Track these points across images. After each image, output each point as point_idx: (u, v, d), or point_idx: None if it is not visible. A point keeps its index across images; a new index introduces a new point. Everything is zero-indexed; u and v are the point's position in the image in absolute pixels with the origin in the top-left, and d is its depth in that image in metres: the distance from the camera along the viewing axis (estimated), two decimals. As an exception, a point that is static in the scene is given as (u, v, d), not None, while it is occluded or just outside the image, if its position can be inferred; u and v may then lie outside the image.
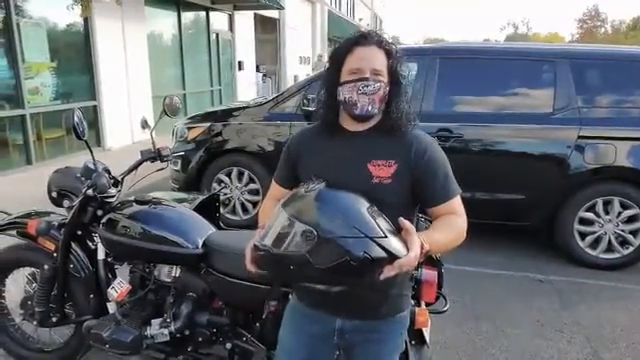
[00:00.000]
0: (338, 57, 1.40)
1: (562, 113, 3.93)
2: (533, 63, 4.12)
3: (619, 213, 3.85)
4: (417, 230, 1.79)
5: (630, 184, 3.83)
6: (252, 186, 4.66)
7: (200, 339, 2.10)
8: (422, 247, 1.20)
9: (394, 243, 1.17)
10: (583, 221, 3.93)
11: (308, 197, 1.22)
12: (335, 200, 1.21)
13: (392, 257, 1.15)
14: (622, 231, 3.87)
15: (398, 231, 1.22)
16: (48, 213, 2.44)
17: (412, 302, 1.75)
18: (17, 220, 2.41)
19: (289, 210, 1.21)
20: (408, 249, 1.18)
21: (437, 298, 1.90)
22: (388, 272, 1.16)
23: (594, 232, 3.92)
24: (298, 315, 1.53)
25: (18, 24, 6.60)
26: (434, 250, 1.28)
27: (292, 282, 1.38)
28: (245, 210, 4.73)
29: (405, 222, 1.21)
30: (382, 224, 1.18)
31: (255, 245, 1.28)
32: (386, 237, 1.16)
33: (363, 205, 1.21)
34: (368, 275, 1.17)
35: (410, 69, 1.37)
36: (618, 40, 45.12)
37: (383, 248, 1.14)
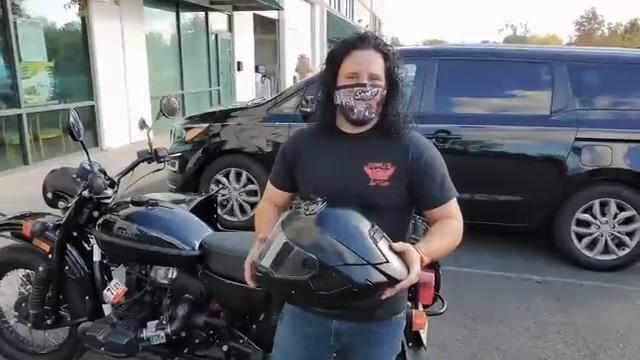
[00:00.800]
0: (335, 59, 1.39)
1: (560, 115, 3.93)
2: (531, 65, 4.12)
3: (615, 215, 3.86)
4: (415, 232, 1.80)
5: (626, 186, 3.83)
6: (250, 187, 4.65)
7: (196, 341, 2.10)
8: (421, 259, 1.21)
9: (395, 267, 1.17)
10: (580, 222, 3.94)
11: (309, 220, 1.18)
12: (336, 224, 1.18)
13: (393, 281, 1.16)
14: (618, 232, 3.88)
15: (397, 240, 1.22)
16: (43, 214, 2.42)
17: (409, 304, 1.75)
18: (12, 221, 2.39)
19: (289, 233, 1.19)
20: (408, 269, 1.18)
21: (434, 300, 1.90)
22: (389, 293, 1.18)
23: (591, 233, 3.93)
24: (294, 317, 1.52)
25: (15, 23, 6.58)
26: (433, 258, 1.29)
27: (292, 304, 1.38)
28: (243, 211, 4.71)
29: (401, 246, 1.21)
30: (383, 248, 1.17)
31: (255, 263, 1.27)
32: (388, 262, 1.16)
33: (365, 227, 1.19)
34: (369, 299, 1.18)
35: (408, 71, 1.36)
36: (615, 42, 45.24)
37: (384, 274, 1.14)
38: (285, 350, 1.53)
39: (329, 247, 1.14)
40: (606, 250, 3.93)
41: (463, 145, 4.05)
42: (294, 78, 15.70)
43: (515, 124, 4.02)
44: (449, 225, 1.37)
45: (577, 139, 3.83)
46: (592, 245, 3.95)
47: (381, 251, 1.16)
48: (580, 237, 3.96)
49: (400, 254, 1.20)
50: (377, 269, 1.14)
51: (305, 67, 14.24)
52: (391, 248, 1.19)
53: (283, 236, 1.19)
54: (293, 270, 1.15)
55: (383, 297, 1.18)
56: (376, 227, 1.21)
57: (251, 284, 1.34)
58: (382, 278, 1.14)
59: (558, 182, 3.90)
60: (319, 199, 1.22)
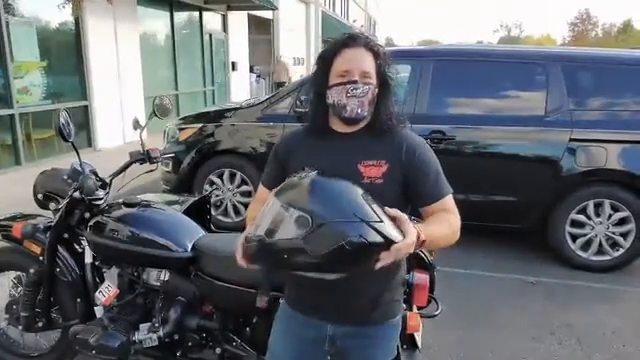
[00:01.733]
0: (326, 59, 1.39)
1: (554, 115, 3.94)
2: (526, 66, 4.13)
3: (610, 215, 3.87)
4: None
5: (621, 186, 3.84)
6: (244, 188, 4.63)
7: (189, 344, 2.08)
8: (419, 236, 1.18)
9: (390, 228, 1.14)
10: (574, 223, 3.94)
11: (302, 184, 1.18)
12: (329, 186, 1.19)
13: (388, 242, 1.12)
14: (612, 233, 3.88)
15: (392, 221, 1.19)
16: (34, 216, 2.40)
17: (404, 306, 1.74)
18: (2, 223, 2.37)
19: (282, 198, 1.17)
20: (404, 235, 1.15)
21: (429, 302, 1.89)
22: (385, 259, 1.13)
23: (585, 234, 3.93)
24: (289, 320, 1.51)
25: (7, 22, 6.53)
26: (430, 242, 1.25)
27: (286, 271, 1.34)
28: (237, 212, 4.69)
29: (395, 211, 1.18)
30: (377, 209, 1.16)
31: (247, 237, 1.25)
32: (382, 222, 1.13)
33: (357, 191, 1.18)
34: (364, 261, 1.14)
35: (399, 70, 1.36)
36: (609, 43, 45.59)
37: (379, 232, 1.11)
38: (279, 353, 1.52)
39: (322, 205, 1.12)
40: (600, 251, 3.94)
41: (458, 146, 4.05)
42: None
43: (510, 125, 4.02)
44: (446, 217, 1.36)
45: (571, 140, 3.84)
46: (586, 246, 3.95)
47: (375, 211, 1.14)
48: (574, 238, 3.96)
49: (394, 220, 1.17)
50: (371, 227, 1.11)
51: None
52: (385, 212, 1.17)
53: (277, 202, 1.17)
54: (286, 232, 1.13)
55: (378, 265, 1.14)
56: (369, 195, 1.19)
57: (242, 264, 1.28)
58: (377, 237, 1.11)
59: (552, 183, 3.90)
60: (312, 169, 1.22)
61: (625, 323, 3.18)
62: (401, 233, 1.15)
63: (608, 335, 3.02)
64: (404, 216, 1.18)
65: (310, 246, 1.11)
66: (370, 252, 1.12)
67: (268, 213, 1.19)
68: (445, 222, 1.34)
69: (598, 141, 3.82)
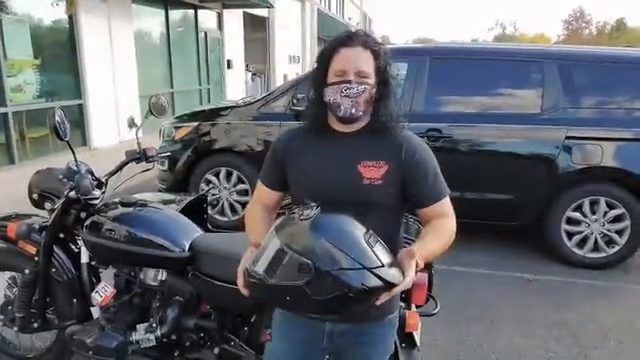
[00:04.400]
0: (325, 58, 1.38)
1: (550, 113, 3.95)
2: (521, 64, 4.13)
3: (605, 213, 3.88)
4: (407, 232, 1.79)
5: (616, 184, 3.86)
6: (241, 186, 4.62)
7: (187, 344, 2.06)
8: (416, 265, 1.20)
9: (391, 271, 1.16)
10: (570, 221, 3.96)
11: (303, 225, 1.16)
12: (331, 228, 1.17)
13: (389, 286, 1.15)
14: (608, 231, 3.90)
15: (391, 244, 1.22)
16: (29, 216, 2.37)
17: (402, 304, 1.74)
18: (-3, 223, 2.34)
19: (283, 238, 1.17)
20: (404, 274, 1.17)
21: (427, 300, 1.89)
22: (384, 298, 1.17)
23: (581, 232, 3.95)
24: (286, 319, 1.50)
25: (0, 20, 6.47)
26: (427, 260, 1.27)
27: (287, 310, 1.36)
28: (234, 211, 4.68)
29: (407, 251, 1.21)
30: (379, 252, 1.16)
31: (247, 270, 1.25)
32: (383, 266, 1.15)
33: (360, 232, 1.18)
34: (364, 303, 1.17)
35: (399, 69, 1.36)
36: (603, 41, 45.80)
37: (380, 278, 1.13)
38: (277, 352, 1.51)
39: (324, 252, 1.12)
40: (596, 248, 3.95)
41: (454, 144, 4.05)
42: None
43: (506, 122, 4.03)
44: (443, 225, 1.36)
45: (567, 137, 3.85)
46: (582, 243, 3.97)
47: (377, 255, 1.15)
48: (570, 235, 3.98)
49: (395, 259, 1.20)
50: (373, 273, 1.12)
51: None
52: (386, 253, 1.18)
53: (277, 241, 1.17)
54: (288, 276, 1.13)
55: (378, 302, 1.17)
56: (371, 232, 1.19)
57: (245, 292, 1.30)
58: (378, 282, 1.13)
59: (548, 180, 3.91)
60: (313, 204, 1.20)
61: (621, 320, 3.19)
62: (401, 272, 1.17)
63: (605, 332, 3.04)
64: (404, 253, 1.21)
65: (312, 291, 1.12)
66: (370, 296, 1.15)
67: (268, 249, 1.18)
68: (442, 232, 1.35)
69: (594, 139, 3.83)
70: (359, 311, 1.40)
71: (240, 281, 1.31)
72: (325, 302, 1.13)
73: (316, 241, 1.13)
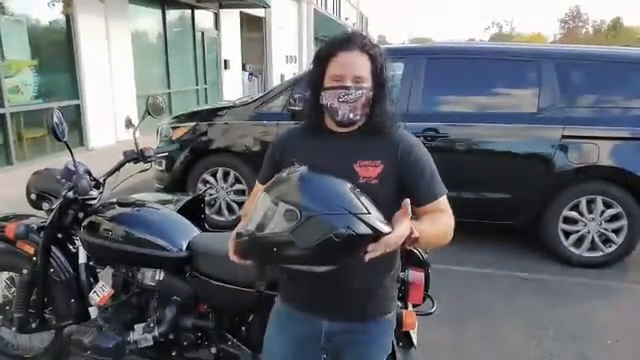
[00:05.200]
0: (321, 60, 1.38)
1: (546, 113, 3.96)
2: (518, 63, 4.14)
3: (602, 212, 3.89)
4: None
5: (613, 183, 3.87)
6: (238, 186, 4.62)
7: (185, 343, 2.07)
8: (411, 232, 1.19)
9: (378, 220, 1.15)
10: (567, 220, 3.97)
11: (291, 179, 1.20)
12: (317, 180, 1.20)
13: (377, 233, 1.13)
14: (605, 230, 3.91)
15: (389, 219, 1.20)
16: (27, 216, 2.38)
17: (399, 304, 1.74)
18: (-5, 223, 2.34)
19: (272, 194, 1.19)
20: (393, 228, 1.16)
21: (424, 299, 1.90)
22: (373, 251, 1.14)
23: (578, 231, 3.96)
24: (284, 318, 1.51)
25: (-3, 21, 6.47)
26: (423, 240, 1.25)
27: (276, 265, 1.34)
28: (231, 211, 4.68)
29: (401, 210, 1.18)
30: (365, 202, 1.17)
31: (238, 232, 1.26)
32: (369, 214, 1.14)
33: (345, 185, 1.20)
34: (353, 253, 1.15)
35: (395, 70, 1.37)
36: (599, 40, 45.90)
37: (367, 224, 1.12)
38: (275, 352, 1.52)
39: (310, 198, 1.14)
40: (593, 247, 3.96)
41: (451, 143, 4.06)
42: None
43: (502, 122, 4.04)
44: (439, 217, 1.37)
45: (564, 137, 3.86)
46: (579, 242, 3.98)
47: (363, 203, 1.16)
48: (567, 234, 3.99)
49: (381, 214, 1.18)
50: (359, 218, 1.12)
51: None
52: (374, 206, 1.18)
53: (267, 198, 1.19)
54: (276, 226, 1.15)
55: (367, 257, 1.14)
56: (358, 189, 1.21)
57: (234, 259, 1.30)
58: (365, 229, 1.12)
59: (545, 180, 3.92)
60: (301, 164, 1.24)
61: (617, 318, 3.20)
62: (390, 226, 1.16)
63: (601, 331, 3.05)
64: (408, 210, 1.19)
65: (299, 239, 1.12)
66: (358, 244, 1.13)
67: (259, 209, 1.20)
68: (438, 222, 1.35)
69: (590, 138, 3.84)
70: (356, 305, 1.41)
71: (230, 248, 1.31)
72: (312, 249, 1.12)
73: (302, 188, 1.16)
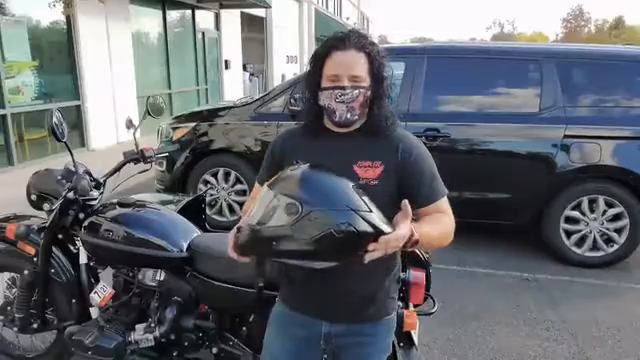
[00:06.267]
0: (318, 60, 1.38)
1: (548, 112, 3.95)
2: (520, 62, 4.14)
3: (604, 211, 3.88)
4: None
5: (615, 183, 3.86)
6: (239, 187, 4.62)
7: (186, 344, 2.07)
8: (412, 234, 1.18)
9: (379, 219, 1.15)
10: (569, 219, 3.96)
11: (293, 175, 1.20)
12: (320, 177, 1.20)
13: (377, 232, 1.13)
14: (607, 229, 3.90)
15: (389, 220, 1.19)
16: (28, 217, 2.38)
17: (400, 304, 1.74)
18: (-5, 224, 2.34)
19: (274, 188, 1.19)
20: (394, 228, 1.15)
21: (425, 299, 1.89)
22: (373, 250, 1.13)
23: (580, 230, 3.95)
24: (283, 319, 1.51)
25: (-2, 22, 6.47)
26: (423, 242, 1.24)
27: (274, 259, 1.33)
28: (232, 211, 4.68)
29: (402, 211, 1.17)
30: (367, 200, 1.17)
31: (238, 227, 1.25)
32: (371, 212, 1.14)
33: (348, 183, 1.20)
34: (353, 250, 1.14)
35: (393, 69, 1.36)
36: (601, 39, 45.79)
37: (368, 222, 1.12)
38: (274, 352, 1.51)
39: (312, 194, 1.14)
40: (595, 247, 3.95)
41: (452, 143, 4.05)
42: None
43: (504, 121, 4.03)
44: (440, 218, 1.36)
45: (566, 136, 3.85)
46: (581, 242, 3.97)
47: (365, 202, 1.16)
48: (569, 234, 3.98)
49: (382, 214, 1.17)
50: (360, 215, 1.12)
51: None
52: (375, 206, 1.18)
53: (269, 192, 1.19)
54: (276, 220, 1.15)
55: (367, 257, 1.14)
56: (360, 189, 1.21)
57: (233, 255, 1.28)
58: (365, 226, 1.12)
59: (547, 179, 3.91)
60: (304, 163, 1.24)
61: (620, 319, 3.19)
62: (391, 226, 1.15)
63: (603, 330, 3.04)
64: (408, 211, 1.18)
65: (298, 233, 1.12)
66: (358, 241, 1.13)
67: (260, 203, 1.20)
68: (439, 223, 1.34)
69: (592, 137, 3.84)
70: (356, 307, 1.41)
71: (230, 244, 1.28)
72: (311, 244, 1.12)
73: (305, 185, 1.16)
